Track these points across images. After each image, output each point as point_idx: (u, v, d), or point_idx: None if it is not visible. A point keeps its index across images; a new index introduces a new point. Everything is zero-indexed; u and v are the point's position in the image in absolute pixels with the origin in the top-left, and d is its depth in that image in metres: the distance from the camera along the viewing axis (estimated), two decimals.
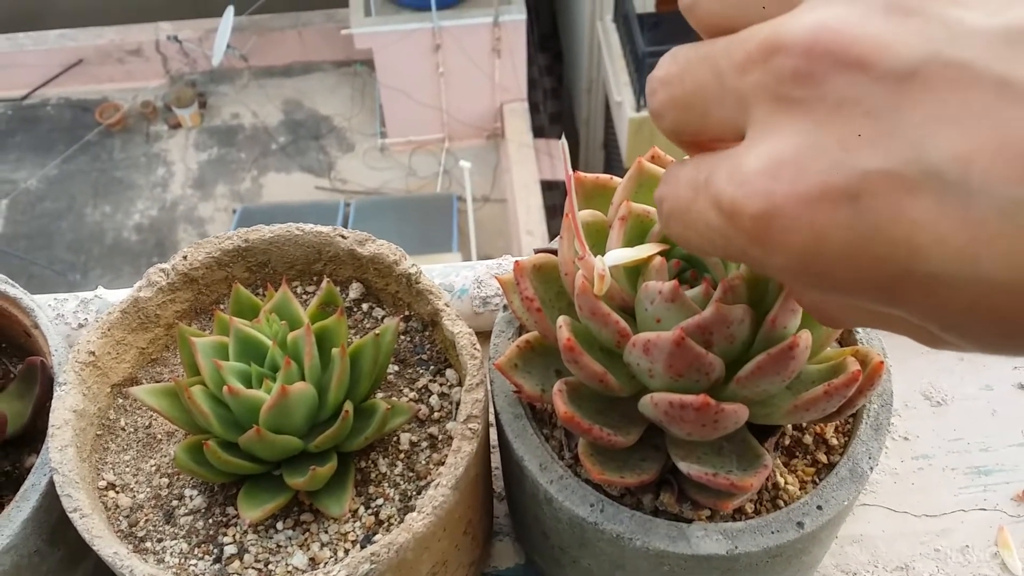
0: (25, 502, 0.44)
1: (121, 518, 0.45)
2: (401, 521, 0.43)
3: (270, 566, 0.43)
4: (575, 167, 0.39)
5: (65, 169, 6.52)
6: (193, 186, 6.51)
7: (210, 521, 0.45)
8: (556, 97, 7.77)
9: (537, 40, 7.50)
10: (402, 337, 0.52)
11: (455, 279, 0.63)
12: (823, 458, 0.45)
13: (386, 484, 0.46)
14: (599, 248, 0.39)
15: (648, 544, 0.40)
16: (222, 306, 0.52)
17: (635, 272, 0.38)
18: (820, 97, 0.21)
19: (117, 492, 0.46)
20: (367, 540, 0.43)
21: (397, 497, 0.45)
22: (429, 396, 0.49)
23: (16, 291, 0.52)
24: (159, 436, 0.48)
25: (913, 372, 0.63)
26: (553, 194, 6.36)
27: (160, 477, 0.47)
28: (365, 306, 0.53)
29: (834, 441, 0.46)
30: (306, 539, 0.44)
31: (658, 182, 0.28)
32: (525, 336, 0.42)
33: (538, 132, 6.55)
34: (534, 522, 0.47)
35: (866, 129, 0.21)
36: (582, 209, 0.40)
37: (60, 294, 0.63)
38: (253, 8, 6.45)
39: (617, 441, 0.38)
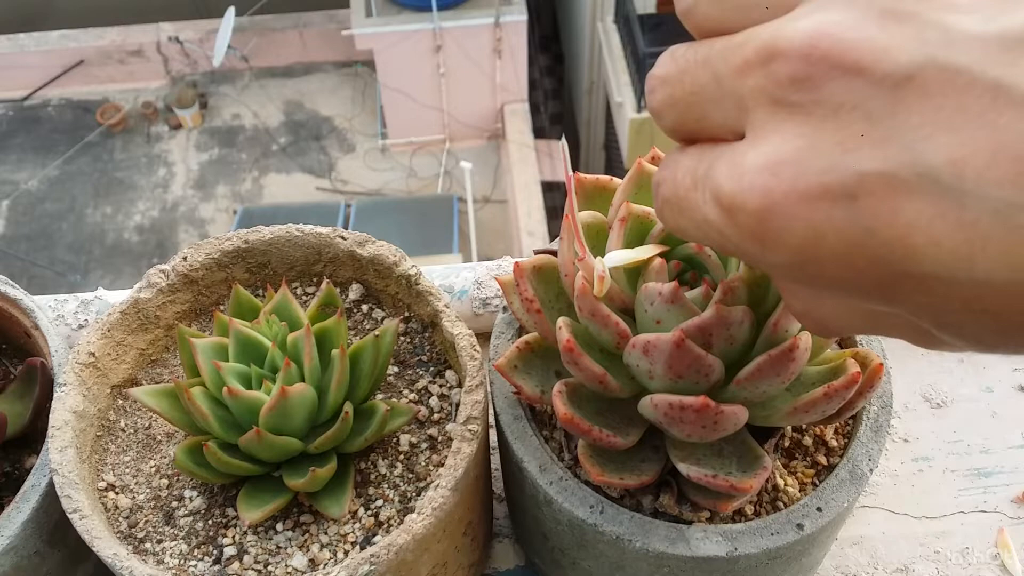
0: (25, 503, 0.44)
1: (121, 519, 0.45)
2: (401, 522, 0.43)
3: (270, 567, 0.43)
4: (576, 168, 0.39)
5: (66, 170, 6.52)
6: (194, 187, 6.51)
7: (210, 522, 0.45)
8: (557, 98, 7.78)
9: (538, 41, 7.50)
10: (402, 338, 0.52)
11: (455, 280, 0.63)
12: (823, 460, 0.45)
13: (386, 485, 0.46)
14: (599, 249, 0.39)
15: (648, 546, 0.40)
16: (222, 307, 0.52)
17: (635, 273, 0.38)
18: (818, 101, 0.22)
19: (117, 493, 0.46)
20: (367, 541, 0.43)
21: (397, 498, 0.45)
22: (429, 397, 0.49)
23: (16, 292, 0.52)
24: (159, 437, 0.48)
25: (913, 374, 0.63)
26: (554, 195, 6.36)
27: (160, 478, 0.47)
28: (365, 307, 0.53)
29: (834, 443, 0.46)
30: (306, 540, 0.44)
31: None
32: (525, 337, 0.42)
33: (539, 133, 6.55)
34: (534, 523, 0.47)
35: (864, 132, 0.21)
36: (582, 210, 0.40)
37: (60, 295, 0.63)
38: (254, 9, 6.46)
39: (617, 442, 0.38)
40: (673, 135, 0.27)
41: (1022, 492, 0.58)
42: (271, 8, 6.56)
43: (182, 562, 0.43)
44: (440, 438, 0.47)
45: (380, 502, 0.45)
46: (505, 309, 0.49)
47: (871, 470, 0.43)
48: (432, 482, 0.44)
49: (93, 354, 0.47)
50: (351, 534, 0.44)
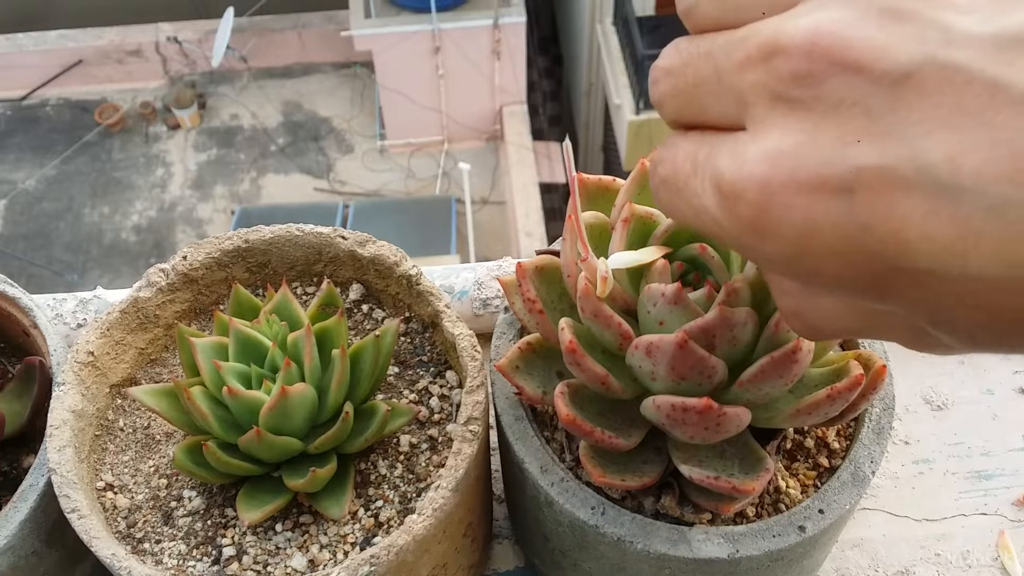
0: (23, 503, 0.43)
1: (119, 519, 0.45)
2: (401, 523, 0.43)
3: (269, 568, 0.43)
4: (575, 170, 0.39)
5: (64, 169, 6.52)
6: (192, 187, 6.50)
7: (209, 522, 0.45)
8: (555, 100, 7.78)
9: (537, 43, 7.51)
10: (402, 339, 0.51)
11: (455, 281, 0.62)
12: (825, 462, 0.45)
13: (386, 486, 0.46)
14: (602, 250, 0.39)
15: (649, 547, 0.40)
16: (222, 307, 0.52)
17: (638, 274, 0.38)
18: (819, 97, 0.22)
19: (115, 493, 0.46)
20: (367, 542, 0.43)
21: (397, 499, 0.45)
22: (429, 398, 0.49)
23: (15, 291, 0.52)
24: (158, 437, 0.48)
25: (914, 376, 0.63)
26: (552, 197, 6.36)
27: (159, 478, 0.47)
28: (365, 307, 0.53)
29: (836, 445, 0.46)
30: (305, 541, 0.44)
31: None
32: (526, 338, 0.42)
33: (537, 135, 6.55)
34: (534, 525, 0.47)
35: (863, 128, 0.21)
36: (585, 211, 0.40)
37: (59, 294, 0.62)
38: (253, 9, 6.46)
39: (619, 444, 0.38)
40: (675, 126, 0.28)
41: (1023, 495, 0.58)
42: (270, 9, 6.56)
43: (181, 562, 0.43)
44: (440, 439, 0.47)
45: (380, 503, 0.45)
46: (506, 310, 0.48)
47: (873, 472, 0.43)
48: (432, 483, 0.44)
49: (92, 353, 0.47)
50: (351, 535, 0.44)
